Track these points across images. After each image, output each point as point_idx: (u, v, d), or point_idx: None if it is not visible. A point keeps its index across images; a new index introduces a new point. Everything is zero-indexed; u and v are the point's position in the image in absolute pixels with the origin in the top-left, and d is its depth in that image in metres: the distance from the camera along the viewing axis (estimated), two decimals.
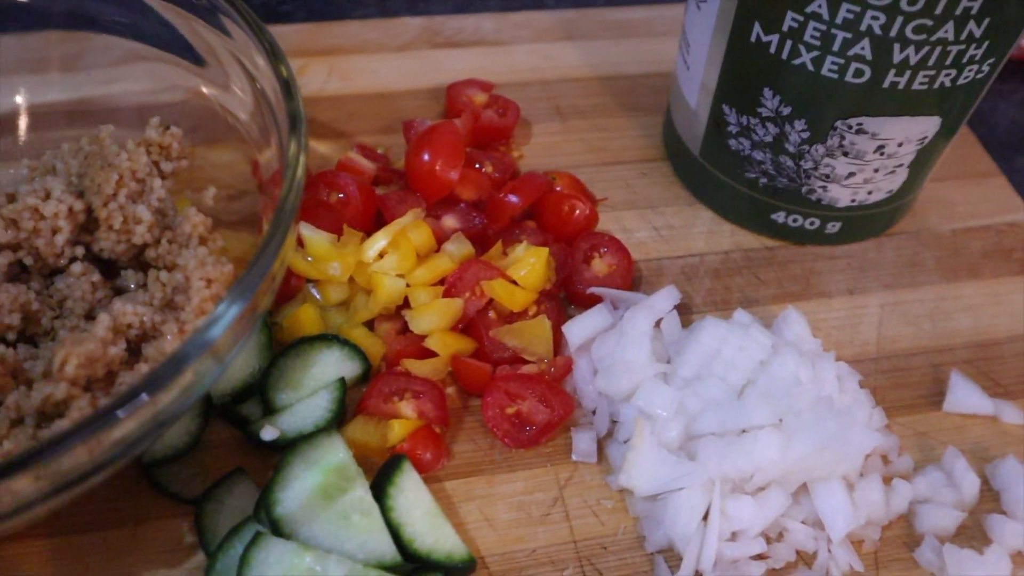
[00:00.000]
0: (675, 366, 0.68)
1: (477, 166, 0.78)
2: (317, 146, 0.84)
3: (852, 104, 0.69)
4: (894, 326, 0.76)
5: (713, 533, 0.61)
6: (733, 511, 0.62)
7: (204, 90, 0.72)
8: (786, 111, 0.71)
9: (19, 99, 0.73)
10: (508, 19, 0.97)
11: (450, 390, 0.70)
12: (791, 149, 0.73)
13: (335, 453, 0.61)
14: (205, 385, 0.53)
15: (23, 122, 0.73)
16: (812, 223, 0.78)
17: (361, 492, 0.60)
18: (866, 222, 0.79)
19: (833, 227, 0.78)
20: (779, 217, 0.78)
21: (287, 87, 0.60)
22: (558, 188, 0.79)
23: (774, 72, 0.70)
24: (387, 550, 0.58)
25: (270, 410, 0.66)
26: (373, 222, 0.75)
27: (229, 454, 0.66)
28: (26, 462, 0.45)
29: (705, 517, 0.63)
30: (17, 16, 0.72)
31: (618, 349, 0.68)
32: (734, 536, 0.63)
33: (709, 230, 0.81)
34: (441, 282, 0.71)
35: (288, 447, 0.64)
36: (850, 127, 0.70)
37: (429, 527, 0.61)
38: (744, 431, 0.64)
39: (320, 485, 0.59)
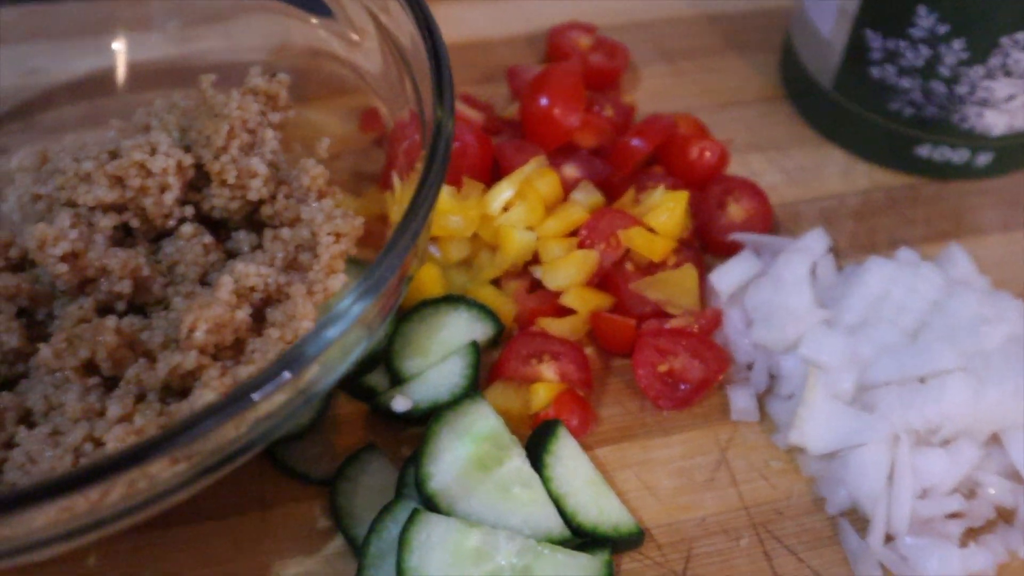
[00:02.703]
0: (839, 312, 0.62)
1: (596, 110, 0.72)
2: None
3: (1021, 15, 0.62)
4: None
5: (904, 491, 0.55)
6: (922, 466, 0.56)
7: (309, 39, 0.66)
8: (943, 30, 0.65)
9: (114, 58, 0.67)
10: None
11: (588, 350, 0.64)
12: (946, 73, 0.67)
13: (485, 420, 0.55)
14: (354, 357, 0.47)
15: (119, 81, 0.67)
16: (961, 155, 0.72)
17: (519, 462, 0.54)
18: (1019, 152, 0.72)
19: (984, 158, 0.72)
20: (924, 151, 0.72)
21: (428, 29, 0.53)
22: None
23: None
24: (554, 524, 0.53)
25: (398, 380, 0.60)
26: (490, 173, 0.69)
27: (357, 429, 0.60)
28: (167, 442, 0.39)
29: (890, 475, 0.56)
30: None
31: (775, 296, 0.62)
32: (925, 494, 0.57)
33: (843, 170, 0.75)
34: (573, 234, 0.65)
35: (424, 418, 0.58)
36: (1017, 42, 0.64)
37: (592, 497, 0.55)
38: (923, 379, 0.58)
39: (473, 455, 0.54)
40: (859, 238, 0.70)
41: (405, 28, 0.57)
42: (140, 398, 0.51)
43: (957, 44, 0.65)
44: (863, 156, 0.75)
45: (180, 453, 0.40)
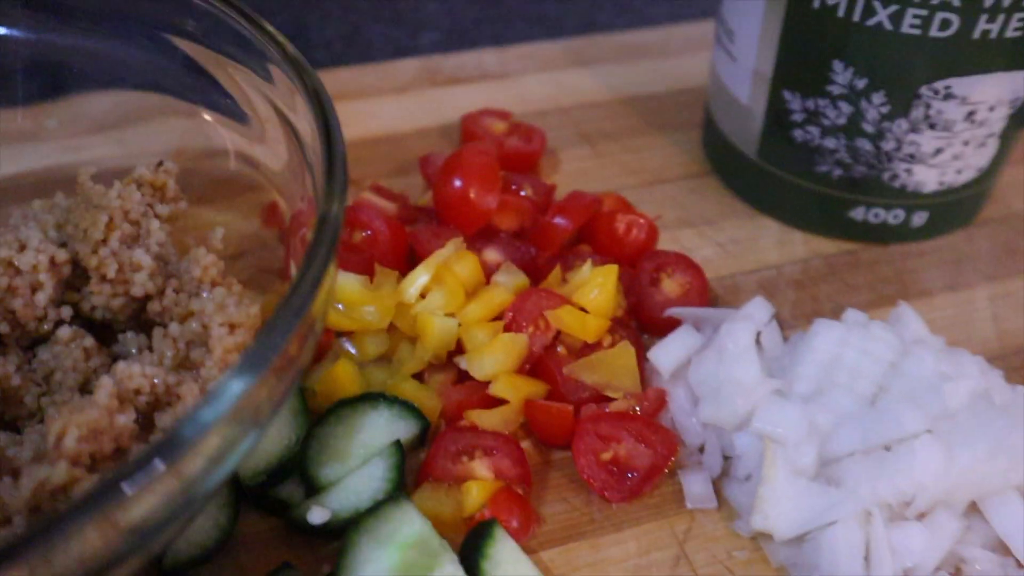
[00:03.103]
0: (789, 381, 0.57)
1: (514, 190, 0.68)
2: None
3: (938, 65, 0.61)
4: (1011, 318, 0.66)
5: (885, 573, 0.50)
6: (900, 543, 0.51)
7: (208, 139, 0.62)
8: (861, 84, 0.63)
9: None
10: (510, 52, 0.88)
11: (524, 444, 0.58)
12: (869, 129, 0.64)
13: (410, 524, 0.49)
14: (239, 454, 0.41)
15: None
16: (896, 216, 0.69)
17: (451, 569, 0.47)
18: (954, 209, 0.70)
19: (920, 218, 0.69)
20: (858, 214, 0.69)
21: (324, 115, 0.49)
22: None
23: (844, 40, 0.62)
24: None
25: (314, 489, 0.54)
26: (406, 262, 0.64)
27: (270, 548, 0.53)
28: (15, 553, 0.32)
29: (867, 556, 0.51)
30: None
31: (721, 369, 0.57)
32: (907, 575, 0.51)
33: (778, 240, 0.71)
34: (497, 319, 0.60)
35: (345, 529, 0.51)
36: (936, 92, 0.62)
37: None
38: (888, 446, 0.53)
39: (399, 565, 0.47)
40: (802, 307, 0.66)
41: (307, 121, 0.52)
42: (5, 522, 0.43)
43: (877, 98, 0.63)
44: (796, 224, 0.72)
45: (32, 570, 0.33)
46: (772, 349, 0.60)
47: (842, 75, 0.63)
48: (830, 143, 0.66)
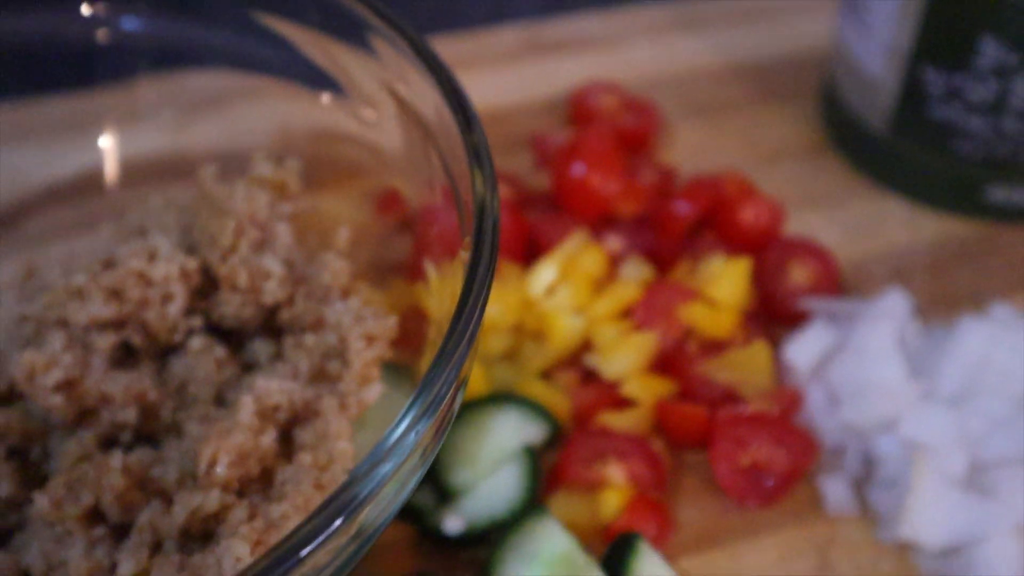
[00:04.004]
0: (935, 383, 0.55)
1: (635, 174, 0.66)
2: None
3: None
4: None
5: None
6: None
7: (314, 120, 0.60)
8: (1013, 60, 0.59)
9: (102, 155, 0.61)
10: (614, 17, 0.85)
11: (655, 445, 0.56)
12: (1019, 106, 0.61)
13: (555, 540, 0.48)
14: (411, 489, 0.40)
15: (109, 180, 0.61)
16: None
17: None
18: None
19: None
20: (997, 193, 0.66)
21: (457, 97, 0.47)
22: None
23: (996, 11, 0.58)
24: None
25: (446, 496, 0.53)
26: (524, 253, 0.62)
27: (404, 558, 0.52)
28: None
29: None
30: (95, 65, 0.61)
31: (862, 370, 0.55)
32: None
33: (908, 220, 0.68)
34: (625, 315, 0.58)
35: (480, 538, 0.51)
36: None
37: None
38: None
39: None
40: (938, 294, 0.63)
41: (428, 99, 0.50)
42: (156, 547, 0.43)
43: None
44: (928, 203, 0.68)
45: None
46: (913, 345, 0.57)
47: (991, 50, 0.59)
48: (973, 122, 0.63)
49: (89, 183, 0.62)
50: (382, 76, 0.54)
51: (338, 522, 0.34)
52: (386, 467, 0.35)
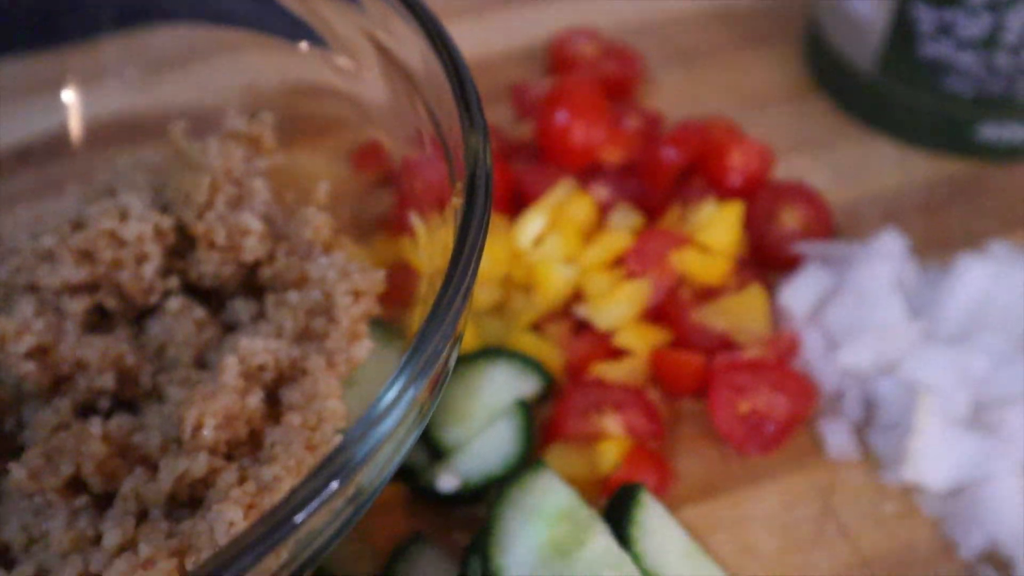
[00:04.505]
0: (934, 322, 0.54)
1: (619, 121, 0.64)
2: None
3: None
4: None
5: None
6: None
7: (287, 73, 0.57)
8: None
9: (65, 114, 0.58)
10: None
11: (650, 395, 0.55)
12: (1012, 41, 0.59)
13: (556, 494, 0.46)
14: (407, 449, 0.38)
15: (74, 141, 0.58)
16: None
17: (604, 540, 0.45)
18: None
19: None
20: (989, 132, 0.64)
21: (444, 45, 0.45)
22: None
23: None
24: None
25: (439, 453, 0.51)
26: (510, 204, 0.61)
27: (397, 517, 0.51)
28: None
29: None
30: (57, 23, 0.58)
31: (860, 312, 0.54)
32: None
33: (898, 161, 0.67)
34: (616, 264, 0.57)
35: (475, 496, 0.50)
36: None
37: (692, 572, 0.46)
38: None
39: (550, 540, 0.45)
40: (932, 235, 0.62)
41: (413, 47, 0.48)
42: (141, 516, 0.41)
43: None
44: (917, 143, 0.67)
45: None
46: (910, 285, 0.56)
47: None
48: (964, 58, 0.61)
49: (53, 145, 0.59)
50: (363, 24, 0.51)
51: (335, 484, 0.32)
52: (383, 427, 0.33)
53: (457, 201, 0.41)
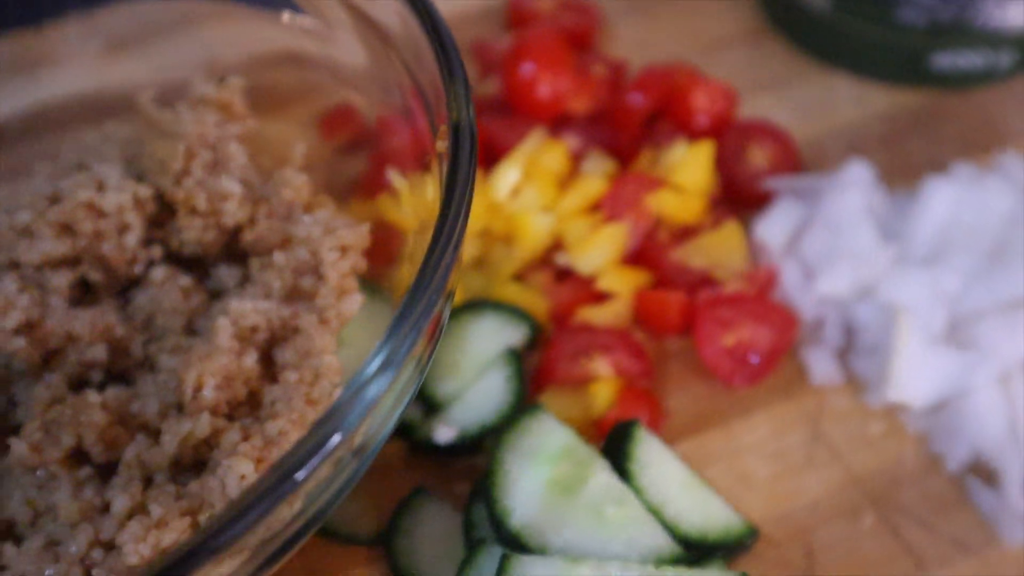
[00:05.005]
0: (907, 245, 0.55)
1: (584, 70, 0.64)
2: None
3: None
4: None
5: None
6: None
7: (254, 41, 0.57)
8: None
9: (30, 95, 0.57)
10: None
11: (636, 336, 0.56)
12: None
13: (554, 435, 0.47)
14: (408, 401, 0.38)
15: (40, 123, 0.57)
16: (985, 58, 0.66)
17: (605, 476, 0.46)
18: None
19: (1008, 58, 0.66)
20: (943, 60, 0.66)
21: (421, 6, 0.45)
22: None
23: None
24: (662, 541, 0.45)
25: (433, 407, 0.52)
26: (483, 160, 0.61)
27: (398, 472, 0.51)
28: (218, 538, 0.30)
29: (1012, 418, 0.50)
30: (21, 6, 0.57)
31: (835, 240, 0.55)
32: None
33: (856, 95, 0.68)
34: (593, 210, 0.57)
35: (473, 446, 0.50)
36: None
37: (692, 502, 0.47)
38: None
39: (552, 479, 0.45)
40: (895, 164, 0.63)
41: (387, 5, 0.48)
42: (146, 482, 0.41)
43: None
44: (874, 77, 0.68)
45: (232, 550, 0.31)
46: (879, 212, 0.57)
47: None
48: None
49: (20, 127, 0.58)
50: None
51: (337, 437, 0.33)
52: (382, 380, 0.33)
53: (442, 144, 0.41)
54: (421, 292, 0.36)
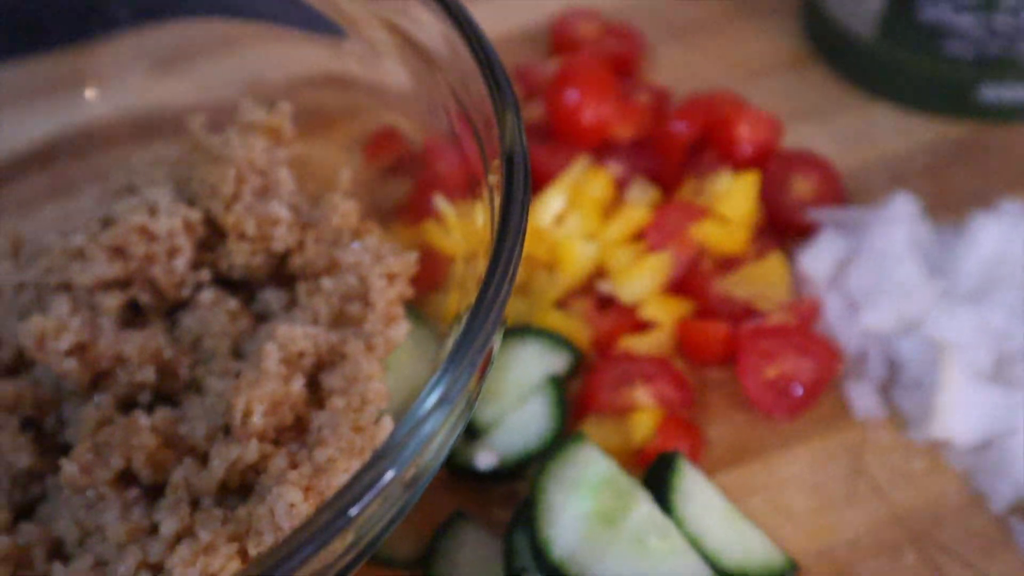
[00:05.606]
0: (953, 280, 0.55)
1: (627, 97, 0.64)
2: None
3: None
4: None
5: None
6: None
7: (302, 64, 0.58)
8: None
9: (77, 114, 0.58)
10: None
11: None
12: (1010, 2, 0.60)
13: (596, 465, 0.47)
14: (460, 432, 0.38)
15: (87, 141, 0.58)
16: None
17: (647, 508, 0.46)
18: None
19: None
20: (990, 93, 0.65)
21: (467, 25, 0.45)
22: None
23: None
24: (703, 574, 0.44)
25: (474, 431, 0.52)
26: None
27: (437, 496, 0.51)
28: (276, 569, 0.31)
29: None
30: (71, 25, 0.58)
31: (879, 273, 0.55)
32: None
33: (901, 126, 0.68)
34: (636, 238, 0.57)
35: (513, 473, 0.50)
36: None
37: (732, 535, 0.47)
38: None
39: (595, 509, 0.45)
40: (940, 197, 0.63)
41: (434, 29, 0.48)
42: (193, 505, 0.42)
43: None
44: (918, 108, 0.68)
45: None
46: (925, 245, 0.57)
47: None
48: (963, 21, 0.62)
49: (68, 145, 0.59)
50: (379, 11, 0.52)
51: (390, 473, 0.33)
52: (439, 415, 0.34)
53: (494, 179, 0.41)
54: (477, 328, 0.36)
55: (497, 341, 0.39)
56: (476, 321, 0.36)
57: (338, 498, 0.32)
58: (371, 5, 0.51)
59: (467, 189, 0.47)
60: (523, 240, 0.38)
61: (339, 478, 0.39)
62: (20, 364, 0.48)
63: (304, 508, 0.37)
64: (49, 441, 0.46)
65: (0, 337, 0.49)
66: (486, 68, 0.43)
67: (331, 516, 0.32)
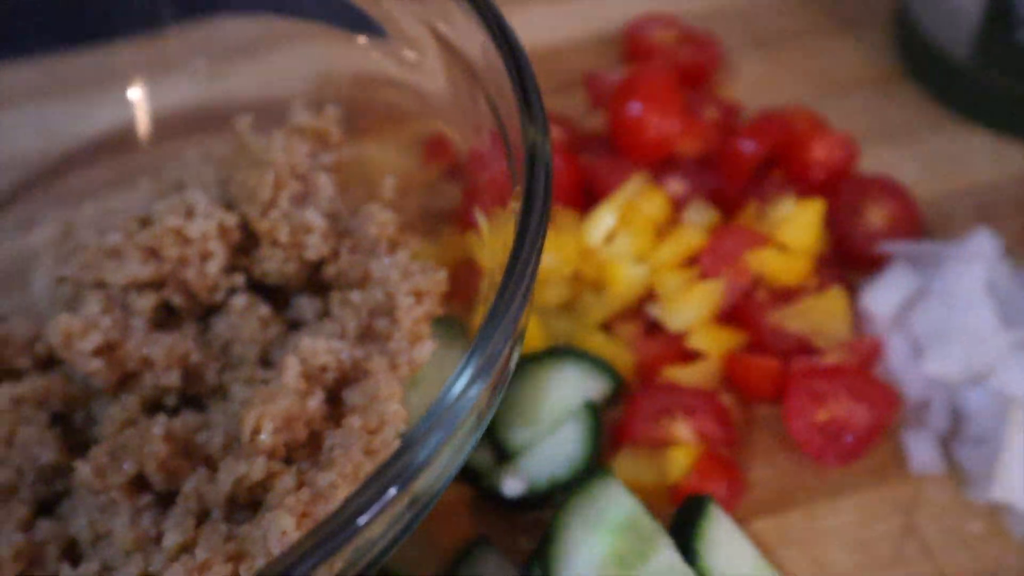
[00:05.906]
0: None
1: (696, 112, 0.61)
2: None
3: None
4: None
5: None
6: None
7: (355, 64, 0.57)
8: None
9: (135, 107, 0.58)
10: None
11: (723, 399, 0.53)
12: None
13: (619, 505, 0.45)
14: (468, 452, 0.37)
15: (143, 134, 0.58)
16: None
17: (668, 554, 0.44)
18: None
19: None
20: None
21: (502, 35, 0.43)
22: None
23: None
24: None
25: (504, 455, 0.50)
26: (581, 198, 0.59)
27: (462, 519, 0.50)
28: None
29: None
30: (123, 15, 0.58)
31: (949, 317, 0.51)
32: None
33: (992, 153, 0.64)
34: (690, 262, 0.55)
35: (541, 500, 0.48)
36: None
37: None
38: None
39: (612, 551, 0.43)
40: None
41: (473, 37, 0.47)
42: (202, 515, 0.41)
43: None
44: (1014, 135, 0.64)
45: None
46: (1003, 289, 0.53)
47: None
48: None
49: (122, 138, 0.59)
50: (423, 15, 0.50)
51: (392, 492, 0.32)
52: (440, 433, 0.32)
53: (515, 205, 0.39)
54: (485, 344, 0.35)
55: (511, 357, 0.37)
56: (485, 336, 0.34)
57: (334, 518, 0.31)
58: (415, 8, 0.50)
59: (500, 203, 0.45)
60: (537, 260, 0.37)
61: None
62: (53, 359, 0.48)
63: (295, 536, 0.36)
64: (77, 437, 0.47)
65: (39, 331, 0.49)
66: (517, 81, 0.41)
67: (323, 537, 0.31)
